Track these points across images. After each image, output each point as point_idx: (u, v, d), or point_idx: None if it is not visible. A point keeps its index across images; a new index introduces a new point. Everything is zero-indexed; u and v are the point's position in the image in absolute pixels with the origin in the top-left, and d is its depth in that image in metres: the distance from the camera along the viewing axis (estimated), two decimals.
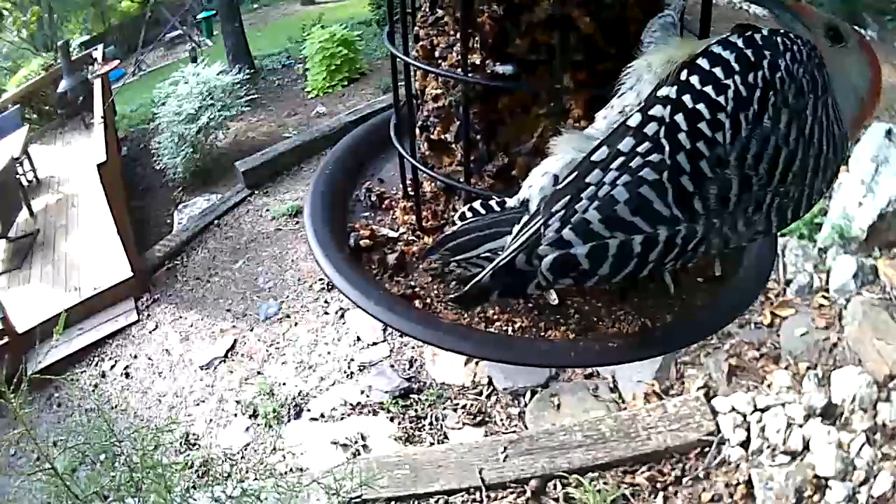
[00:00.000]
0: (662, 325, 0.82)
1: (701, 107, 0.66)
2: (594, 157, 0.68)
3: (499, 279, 0.70)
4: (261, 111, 9.34)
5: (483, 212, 0.77)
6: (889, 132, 4.52)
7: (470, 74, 0.86)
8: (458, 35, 0.87)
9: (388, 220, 1.02)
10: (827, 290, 4.13)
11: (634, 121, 0.68)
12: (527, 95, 0.89)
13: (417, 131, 1.00)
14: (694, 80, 0.68)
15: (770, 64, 0.67)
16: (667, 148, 0.66)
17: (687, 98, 0.67)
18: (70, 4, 17.43)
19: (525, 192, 0.74)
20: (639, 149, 0.67)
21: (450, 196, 0.99)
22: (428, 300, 0.88)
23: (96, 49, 12.10)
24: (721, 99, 0.66)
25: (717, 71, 0.67)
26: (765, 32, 0.70)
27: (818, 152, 0.69)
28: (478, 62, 0.87)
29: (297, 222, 6.75)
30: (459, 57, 0.86)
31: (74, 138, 10.10)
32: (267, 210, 7.05)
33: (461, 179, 0.92)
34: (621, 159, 0.67)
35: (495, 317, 0.84)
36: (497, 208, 0.77)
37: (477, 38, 0.87)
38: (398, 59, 0.96)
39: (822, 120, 0.68)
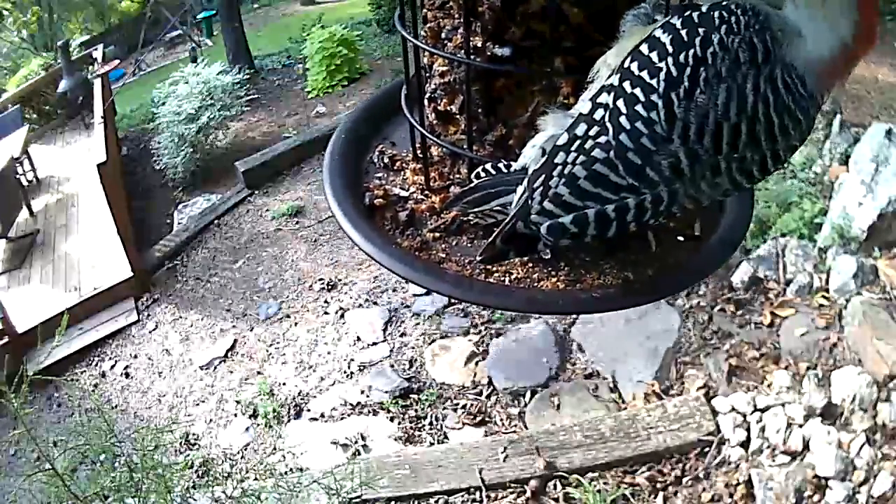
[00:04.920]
0: (643, 279, 0.90)
1: (637, 91, 0.74)
2: (559, 142, 0.80)
3: (510, 242, 0.83)
4: (261, 111, 9.34)
5: (493, 172, 0.91)
6: (889, 132, 4.52)
7: (472, 57, 0.95)
8: (462, 20, 0.95)
9: (400, 181, 1.10)
10: (827, 290, 4.13)
11: (586, 108, 0.79)
12: (522, 75, 0.97)
13: (426, 102, 1.08)
14: (633, 66, 0.75)
15: (703, 40, 0.72)
16: (611, 130, 0.76)
17: (627, 84, 0.75)
18: (70, 4, 17.45)
19: (522, 160, 0.88)
20: (590, 132, 0.77)
21: (455, 160, 1.09)
22: (435, 253, 0.97)
23: (96, 49, 12.11)
24: (654, 82, 0.73)
25: (654, 55, 0.74)
26: (703, 9, 0.75)
27: (769, 124, 0.73)
28: (479, 45, 0.95)
29: (297, 222, 6.76)
30: (463, 40, 0.95)
31: (74, 138, 10.10)
32: (267, 210, 7.06)
33: (464, 146, 1.02)
34: (578, 142, 0.78)
35: (494, 269, 0.94)
36: (504, 170, 0.90)
37: (478, 24, 0.95)
38: (408, 41, 1.04)
39: (769, 96, 0.72)
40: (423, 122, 1.08)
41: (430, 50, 1.01)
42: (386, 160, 1.13)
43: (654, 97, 0.73)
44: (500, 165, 0.91)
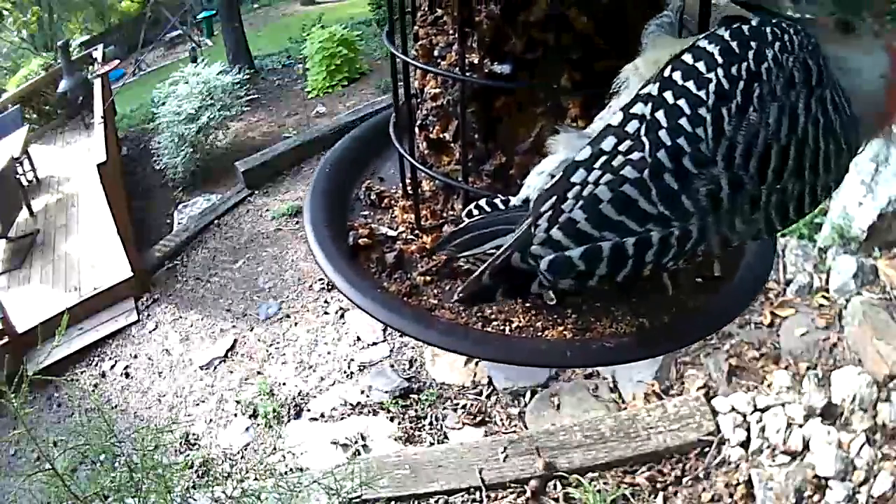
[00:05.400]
0: (660, 326, 0.81)
1: (682, 102, 0.65)
2: (578, 157, 0.68)
3: (498, 278, 0.71)
4: (261, 111, 9.34)
5: (489, 209, 0.78)
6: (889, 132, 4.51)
7: (468, 74, 0.86)
8: (457, 34, 0.86)
9: (388, 219, 1.02)
10: (827, 290, 4.13)
11: (616, 119, 0.68)
12: (524, 94, 0.88)
13: (417, 130, 1.00)
14: (676, 75, 0.66)
15: (756, 54, 0.64)
16: (647, 145, 0.65)
17: (668, 94, 0.66)
18: (70, 4, 17.45)
19: (525, 192, 0.75)
20: (620, 147, 0.66)
21: (448, 195, 1.00)
22: (425, 299, 0.88)
23: (96, 49, 12.11)
24: (702, 93, 0.64)
25: (700, 65, 0.65)
26: (754, 23, 0.67)
27: (816, 149, 0.65)
28: (476, 61, 0.86)
29: (297, 222, 6.75)
30: (458, 56, 0.86)
31: (74, 138, 10.10)
32: (267, 210, 7.05)
33: (459, 178, 0.92)
34: (604, 158, 0.67)
35: (492, 316, 0.84)
36: (501, 206, 0.78)
37: (475, 38, 0.86)
38: (398, 59, 0.95)
39: (819, 118, 0.65)
40: (414, 153, 0.99)
41: (422, 67, 0.92)
42: (373, 197, 1.05)
43: (701, 111, 0.64)
44: (497, 201, 0.78)
